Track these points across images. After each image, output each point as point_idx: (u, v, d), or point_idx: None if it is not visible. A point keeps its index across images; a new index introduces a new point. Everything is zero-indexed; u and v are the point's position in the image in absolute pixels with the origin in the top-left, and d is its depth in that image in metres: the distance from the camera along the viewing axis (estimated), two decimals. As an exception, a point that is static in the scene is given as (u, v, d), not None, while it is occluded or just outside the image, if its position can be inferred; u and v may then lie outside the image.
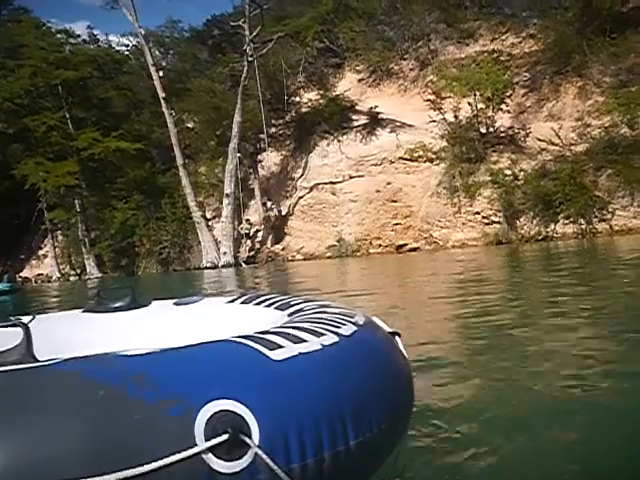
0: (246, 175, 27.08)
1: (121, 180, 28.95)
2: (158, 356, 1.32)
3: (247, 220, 26.15)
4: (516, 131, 21.56)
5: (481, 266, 11.98)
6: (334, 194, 24.98)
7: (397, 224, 22.78)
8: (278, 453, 1.16)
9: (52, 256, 31.28)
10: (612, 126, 18.68)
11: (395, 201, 23.14)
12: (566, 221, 18.63)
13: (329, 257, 23.23)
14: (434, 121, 22.15)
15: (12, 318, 2.14)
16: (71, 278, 29.94)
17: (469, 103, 21.11)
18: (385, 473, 1.55)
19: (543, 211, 18.89)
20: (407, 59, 26.77)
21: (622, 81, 19.82)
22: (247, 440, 1.13)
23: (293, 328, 1.51)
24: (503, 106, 20.99)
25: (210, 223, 27.01)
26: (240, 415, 1.15)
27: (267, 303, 2.23)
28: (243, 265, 24.23)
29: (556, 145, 19.89)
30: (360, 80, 27.50)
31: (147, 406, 1.12)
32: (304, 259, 23.86)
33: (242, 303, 2.36)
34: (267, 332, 1.47)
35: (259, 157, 27.50)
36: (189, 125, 30.15)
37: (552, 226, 18.88)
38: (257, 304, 2.28)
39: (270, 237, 25.85)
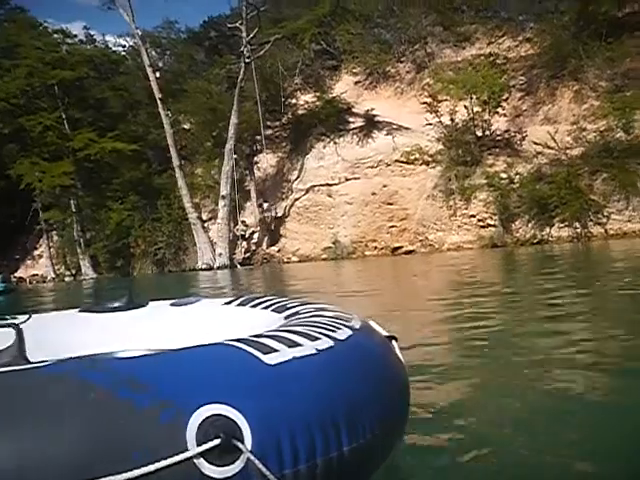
0: (242, 177, 27.05)
1: (117, 181, 28.89)
2: (150, 359, 1.30)
3: (243, 222, 26.13)
4: (512, 134, 21.63)
5: (476, 269, 11.99)
6: (330, 196, 24.99)
7: (393, 226, 22.80)
8: (270, 458, 1.14)
9: (47, 256, 31.18)
10: (607, 130, 18.76)
11: (391, 204, 23.16)
12: (561, 224, 18.69)
13: (325, 259, 23.24)
14: (430, 124, 22.18)
15: (8, 317, 2.13)
16: (66, 279, 29.83)
17: (465, 106, 21.17)
18: (385, 474, 1.54)
19: (538, 214, 18.94)
20: (404, 62, 26.84)
21: (617, 85, 19.93)
22: (239, 445, 1.11)
23: (288, 332, 1.50)
24: (499, 109, 21.06)
25: (206, 224, 26.98)
26: (233, 420, 1.13)
27: (264, 305, 2.22)
28: (238, 267, 24.21)
29: (552, 149, 19.96)
30: (357, 82, 27.55)
31: (138, 410, 1.10)
32: (299, 261, 23.85)
33: (239, 305, 2.35)
34: (262, 335, 1.45)
35: (255, 159, 27.51)
36: (185, 126, 30.13)
37: (547, 229, 18.93)
38: (254, 306, 2.27)
39: (266, 239, 25.83)
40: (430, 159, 22.64)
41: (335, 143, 25.67)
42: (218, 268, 24.31)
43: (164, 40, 37.89)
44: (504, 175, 20.15)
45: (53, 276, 30.39)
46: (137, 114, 31.88)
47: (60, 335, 2.17)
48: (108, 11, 30.47)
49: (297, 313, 1.92)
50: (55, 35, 32.94)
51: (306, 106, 27.26)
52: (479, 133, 21.67)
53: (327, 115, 25.65)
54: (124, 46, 37.74)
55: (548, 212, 18.71)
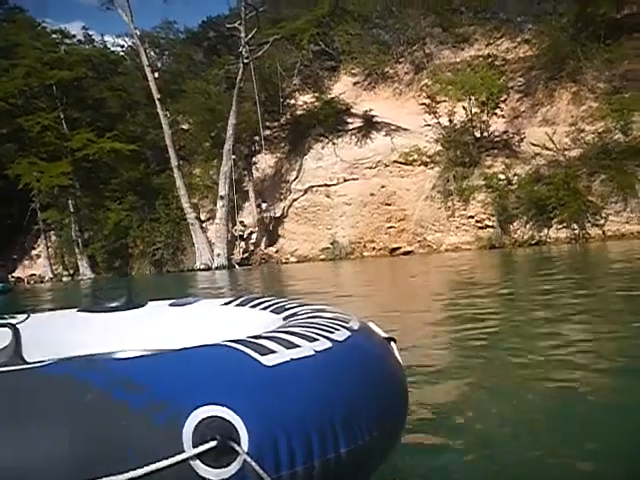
0: (240, 177, 27.04)
1: (115, 181, 28.85)
2: (147, 360, 1.29)
3: (241, 222, 26.12)
4: (510, 136, 21.64)
5: (474, 270, 12.00)
6: (328, 197, 24.98)
7: (391, 227, 22.80)
8: (267, 460, 1.13)
9: (45, 256, 31.13)
10: (606, 132, 18.77)
11: (389, 204, 23.17)
12: (559, 226, 18.70)
13: (323, 260, 23.23)
14: (429, 125, 22.18)
15: (6, 317, 2.12)
16: (64, 279, 29.79)
17: (464, 107, 21.17)
18: (385, 474, 1.53)
19: (536, 216, 18.95)
20: (402, 63, 26.85)
21: (616, 87, 19.94)
22: (236, 447, 1.10)
23: (286, 333, 1.49)
24: (497, 111, 21.06)
25: (204, 225, 26.96)
26: (229, 421, 1.13)
27: (263, 306, 2.22)
28: (237, 267, 24.20)
29: (550, 150, 19.98)
30: (355, 83, 27.56)
31: (134, 411, 1.09)
32: (298, 261, 23.85)
33: (238, 305, 2.35)
34: (259, 337, 1.45)
35: (254, 159, 27.49)
36: (184, 126, 30.10)
37: (545, 231, 18.94)
38: (252, 307, 2.27)
39: (264, 239, 25.82)
40: (428, 160, 22.65)
41: (334, 144, 25.67)
42: (216, 268, 24.30)
43: (163, 40, 37.83)
44: (502, 176, 20.16)
45: (51, 276, 30.34)
46: (135, 114, 31.85)
47: (59, 335, 2.17)
48: (107, 11, 30.34)
49: (296, 314, 1.92)
50: (53, 35, 32.87)
51: (305, 107, 27.27)
52: (477, 134, 21.67)
53: (326, 116, 25.65)
54: (123, 46, 37.77)
55: (546, 213, 18.72)
